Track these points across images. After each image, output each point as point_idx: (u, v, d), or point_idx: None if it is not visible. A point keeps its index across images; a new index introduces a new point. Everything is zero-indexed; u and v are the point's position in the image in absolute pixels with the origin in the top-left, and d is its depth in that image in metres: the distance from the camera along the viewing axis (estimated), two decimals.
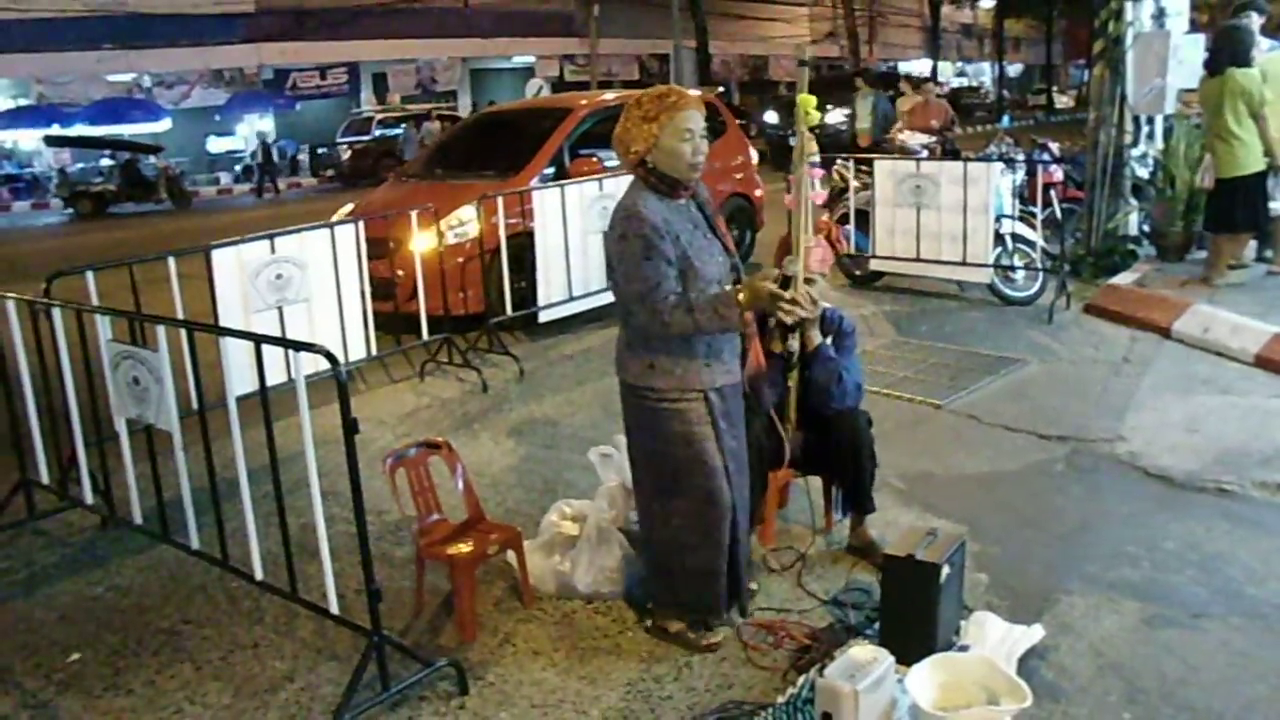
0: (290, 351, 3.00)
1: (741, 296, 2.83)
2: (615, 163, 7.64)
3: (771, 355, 3.49)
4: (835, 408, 3.56)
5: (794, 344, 3.47)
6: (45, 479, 4.33)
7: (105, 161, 22.58)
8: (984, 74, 54.88)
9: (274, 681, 3.13)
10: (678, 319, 2.86)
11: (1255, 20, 6.94)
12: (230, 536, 3.44)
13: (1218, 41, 6.88)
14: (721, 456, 3.05)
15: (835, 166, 8.68)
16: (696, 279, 2.93)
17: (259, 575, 3.31)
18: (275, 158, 23.97)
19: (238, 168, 25.74)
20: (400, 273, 6.59)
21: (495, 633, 3.33)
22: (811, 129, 3.33)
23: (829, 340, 3.63)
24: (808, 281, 3.34)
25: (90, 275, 4.53)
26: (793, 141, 3.52)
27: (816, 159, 3.45)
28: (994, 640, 3.01)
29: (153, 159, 21.33)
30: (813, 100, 3.33)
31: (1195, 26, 9.00)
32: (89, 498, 4.15)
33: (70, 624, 3.56)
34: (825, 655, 3.01)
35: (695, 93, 3.02)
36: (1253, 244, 7.39)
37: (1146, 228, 8.35)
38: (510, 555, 3.52)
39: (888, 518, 3.88)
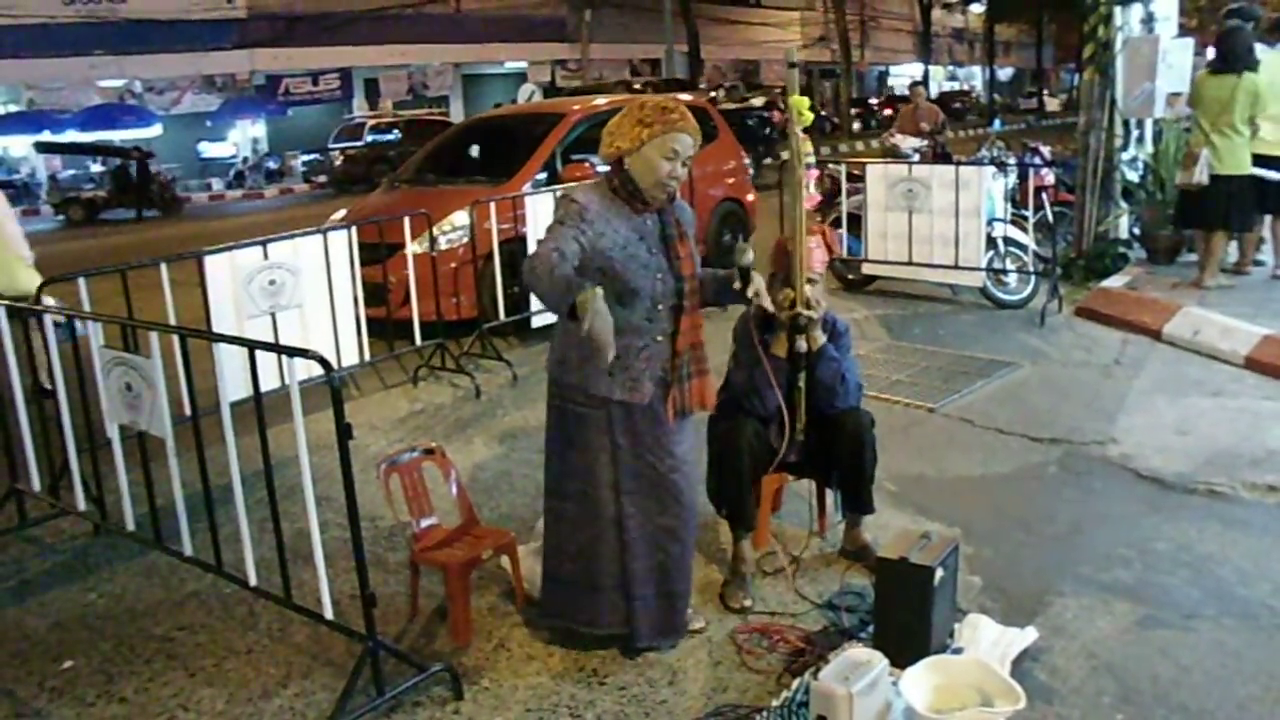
0: (284, 357, 2.99)
1: (583, 297, 2.61)
2: (608, 168, 7.65)
3: (775, 358, 3.50)
4: (839, 406, 3.58)
5: (801, 344, 3.47)
6: (37, 486, 4.32)
7: (96, 168, 22.52)
8: (975, 78, 55.08)
9: (268, 688, 3.12)
10: (538, 260, 2.74)
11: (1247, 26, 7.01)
12: (224, 543, 3.43)
13: (1230, 41, 6.90)
14: (614, 471, 3.01)
15: (828, 170, 8.70)
16: (615, 282, 2.89)
17: (253, 581, 3.30)
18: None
19: (230, 172, 25.76)
20: (393, 278, 6.59)
21: (490, 637, 3.33)
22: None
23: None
24: (809, 282, 3.38)
25: (82, 281, 4.52)
26: None
27: (812, 160, 3.46)
28: (988, 642, 3.02)
29: None
30: (806, 101, 3.35)
31: (1184, 31, 9.05)
32: (81, 504, 4.13)
33: (62, 631, 3.54)
34: (820, 658, 3.02)
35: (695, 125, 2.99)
36: (1233, 245, 7.43)
37: (1137, 231, 8.39)
38: (504, 560, 3.52)
39: (881, 521, 3.89)
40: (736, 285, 3.00)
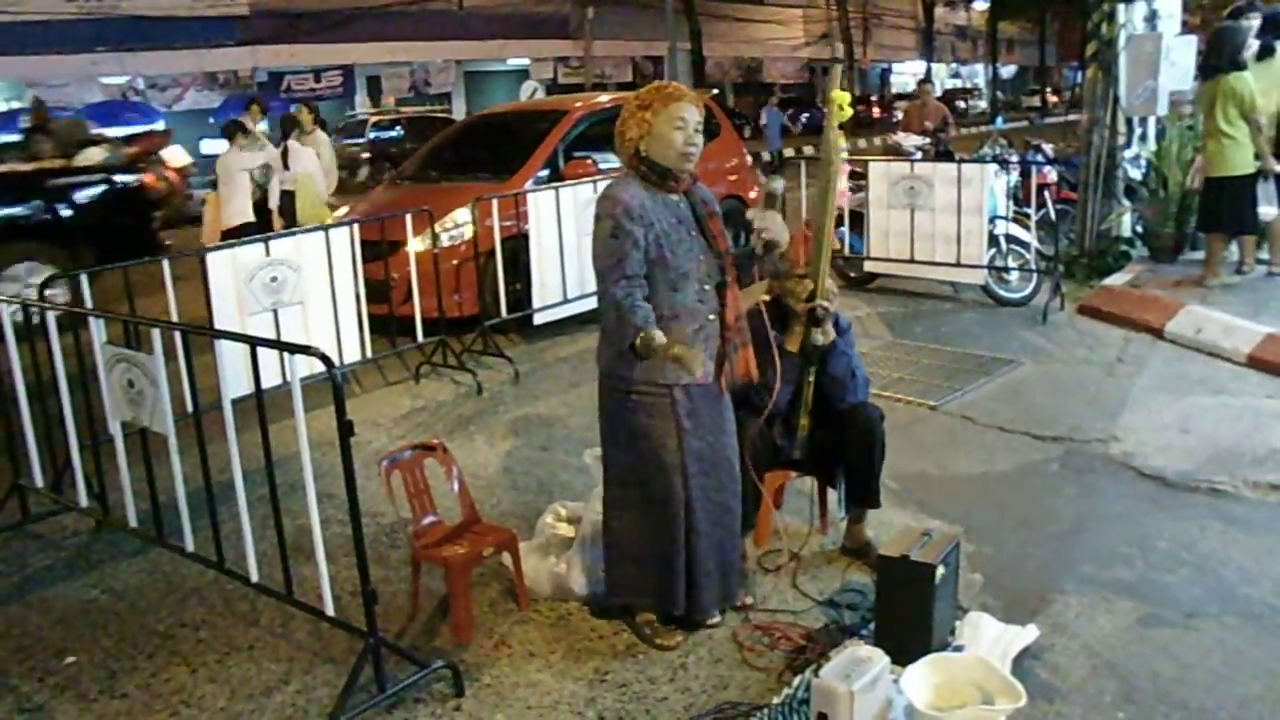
0: (285, 354, 2.99)
1: (663, 345, 2.82)
2: (610, 165, 7.67)
3: (786, 354, 3.50)
4: (850, 401, 3.59)
5: (818, 337, 3.47)
6: (39, 482, 4.32)
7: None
8: (978, 75, 55.02)
9: (270, 684, 3.12)
10: (614, 307, 2.90)
11: (1255, 21, 6.99)
12: (225, 539, 3.44)
13: (1211, 44, 6.91)
14: (680, 455, 3.06)
15: (850, 166, 8.69)
16: (667, 270, 2.99)
17: (254, 578, 3.30)
18: None
19: None
20: (395, 275, 6.60)
21: (491, 634, 3.33)
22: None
23: None
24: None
25: (84, 278, 4.52)
26: None
27: (845, 155, 3.48)
28: (989, 640, 3.02)
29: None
30: (846, 97, 3.38)
31: (1187, 28, 9.03)
32: (83, 501, 4.14)
33: (65, 627, 3.55)
34: (821, 656, 3.02)
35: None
36: (1234, 246, 7.40)
37: (1139, 229, 8.38)
38: (505, 557, 3.51)
39: (883, 518, 3.89)
40: (755, 242, 3.19)
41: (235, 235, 7.23)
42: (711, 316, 3.09)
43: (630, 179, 3.05)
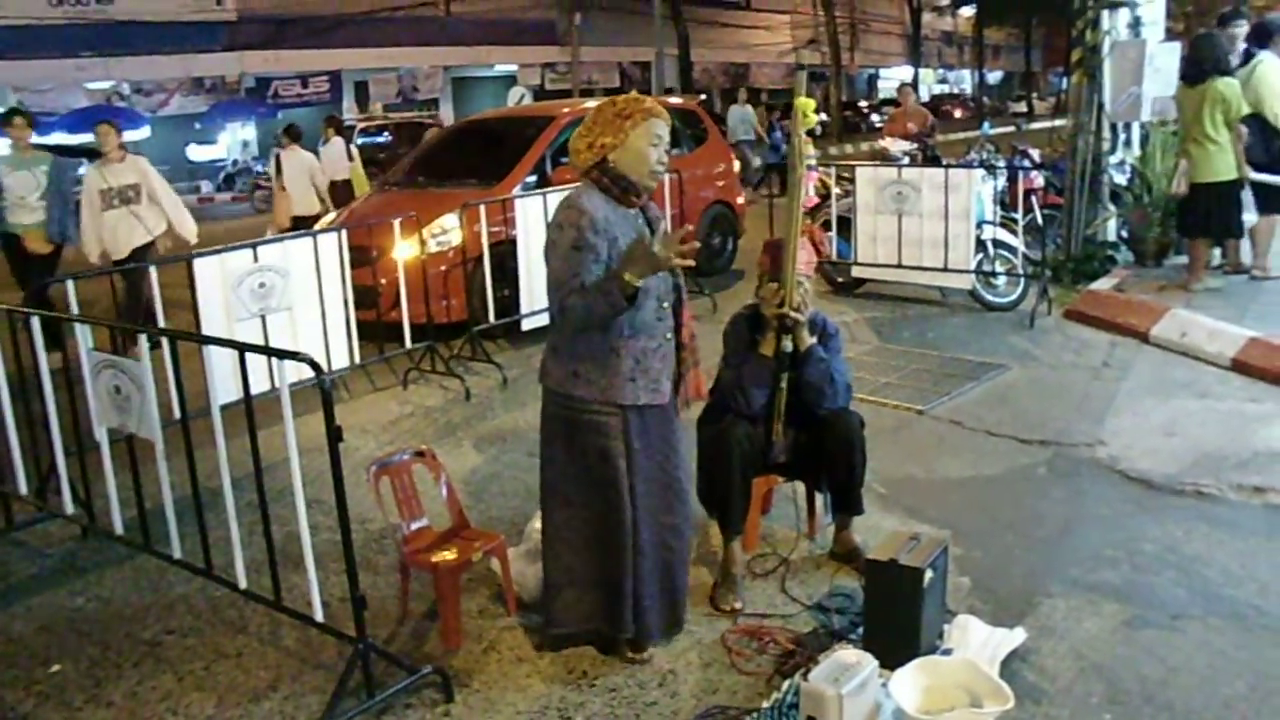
0: (274, 360, 2.99)
1: (627, 274, 2.75)
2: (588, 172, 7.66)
3: (761, 358, 3.51)
4: (828, 407, 3.59)
5: (788, 344, 3.49)
6: (24, 489, 4.30)
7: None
8: (964, 81, 55.32)
9: (258, 691, 3.11)
10: (572, 303, 2.82)
11: (1243, 28, 7.04)
12: (213, 546, 3.42)
13: (1197, 50, 6.95)
14: (629, 476, 2.99)
15: (818, 173, 8.72)
16: None
17: (243, 584, 3.29)
18: None
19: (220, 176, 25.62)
20: (383, 281, 6.59)
21: (480, 640, 3.33)
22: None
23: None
24: (796, 283, 3.41)
25: (70, 284, 4.50)
26: None
27: (813, 162, 3.51)
28: (977, 643, 3.04)
29: None
30: (811, 103, 3.38)
31: (1171, 35, 9.10)
32: (69, 508, 4.12)
33: (50, 635, 3.53)
34: (809, 660, 3.02)
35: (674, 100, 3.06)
36: (1215, 250, 7.45)
37: (1124, 233, 8.44)
38: (494, 562, 3.51)
39: (871, 523, 3.90)
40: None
41: (305, 223, 8.85)
42: (669, 335, 3.03)
43: (590, 189, 2.94)
